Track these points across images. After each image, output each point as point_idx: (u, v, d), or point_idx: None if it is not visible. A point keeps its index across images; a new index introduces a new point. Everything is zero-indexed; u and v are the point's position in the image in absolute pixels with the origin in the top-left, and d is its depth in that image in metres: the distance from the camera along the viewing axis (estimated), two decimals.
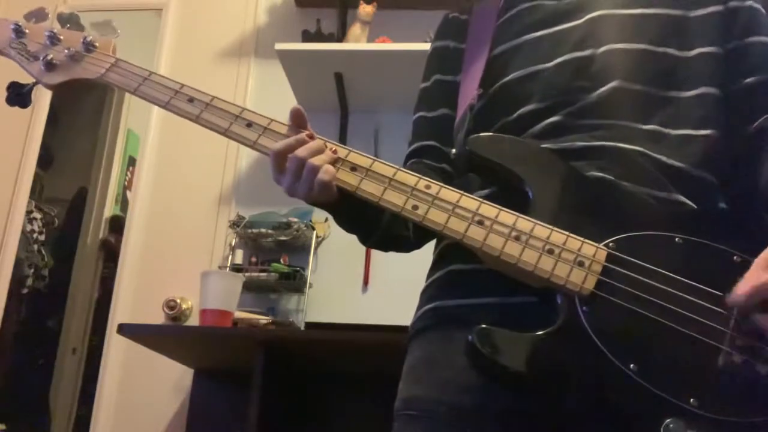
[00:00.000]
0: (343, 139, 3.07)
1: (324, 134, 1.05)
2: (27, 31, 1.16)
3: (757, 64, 1.07)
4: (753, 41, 1.08)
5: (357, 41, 2.95)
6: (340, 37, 3.08)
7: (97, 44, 1.15)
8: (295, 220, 2.90)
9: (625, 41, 1.06)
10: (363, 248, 2.94)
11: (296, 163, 1.01)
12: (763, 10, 1.11)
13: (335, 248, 3.00)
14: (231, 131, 1.07)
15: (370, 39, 2.98)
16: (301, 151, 1.01)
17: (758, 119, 1.04)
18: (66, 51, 1.14)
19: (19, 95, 1.15)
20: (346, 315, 2.82)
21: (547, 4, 1.14)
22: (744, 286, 0.84)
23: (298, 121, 1.06)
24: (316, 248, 2.98)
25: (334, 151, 1.03)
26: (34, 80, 1.15)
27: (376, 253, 2.92)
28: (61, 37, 1.15)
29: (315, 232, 2.94)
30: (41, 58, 1.13)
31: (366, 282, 2.94)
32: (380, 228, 1.12)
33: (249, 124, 1.06)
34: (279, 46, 2.86)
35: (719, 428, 0.81)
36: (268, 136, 1.05)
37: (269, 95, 3.20)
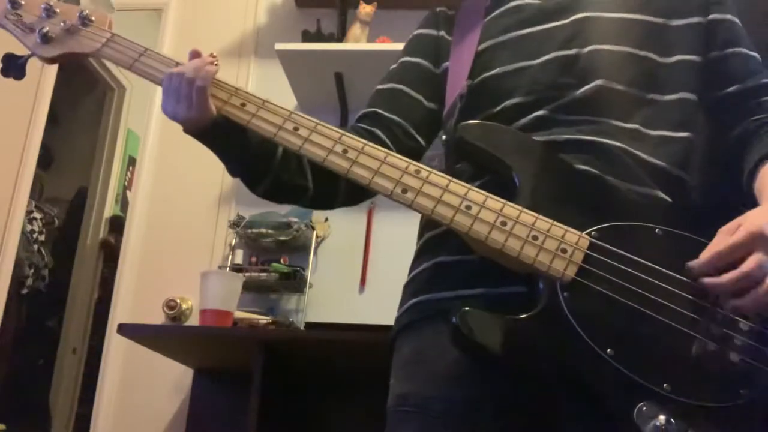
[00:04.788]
0: None
1: None
2: (23, 2, 1.15)
3: (738, 73, 1.12)
4: (733, 52, 1.13)
5: (357, 41, 2.95)
6: (340, 37, 3.08)
7: (93, 18, 1.15)
8: (295, 220, 2.90)
9: (610, 43, 1.09)
10: (363, 248, 2.94)
11: (175, 79, 1.04)
12: (740, 24, 1.16)
13: (335, 248, 2.99)
14: (225, 110, 1.08)
15: (370, 39, 2.98)
16: (179, 68, 1.06)
17: (740, 124, 1.08)
18: (62, 24, 1.14)
19: (14, 67, 1.14)
20: (346, 315, 2.81)
21: (533, 4, 1.17)
22: (707, 252, 0.89)
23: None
24: (315, 248, 2.97)
25: (215, 63, 1.06)
26: (29, 52, 1.14)
27: (374, 254, 2.91)
28: (57, 10, 1.15)
29: (315, 232, 2.93)
30: (37, 31, 1.13)
31: (363, 282, 2.93)
32: (271, 171, 1.13)
33: (243, 104, 1.09)
34: (279, 46, 2.87)
35: (691, 413, 0.83)
36: (261, 115, 1.07)
37: (269, 95, 3.10)
